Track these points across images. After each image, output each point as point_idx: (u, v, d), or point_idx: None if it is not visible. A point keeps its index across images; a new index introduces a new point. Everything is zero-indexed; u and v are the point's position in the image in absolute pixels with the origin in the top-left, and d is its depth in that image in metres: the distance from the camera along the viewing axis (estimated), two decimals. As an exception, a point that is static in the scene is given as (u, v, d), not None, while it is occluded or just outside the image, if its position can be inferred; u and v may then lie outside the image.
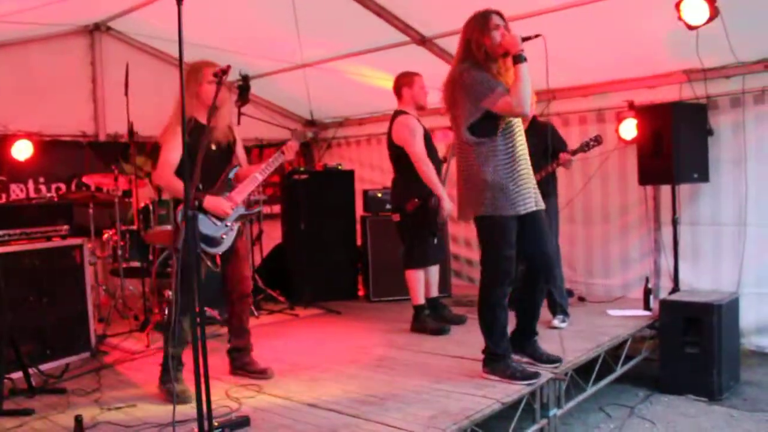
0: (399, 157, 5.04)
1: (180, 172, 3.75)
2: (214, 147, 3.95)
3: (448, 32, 5.90)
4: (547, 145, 4.89)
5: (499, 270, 3.79)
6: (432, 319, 5.18)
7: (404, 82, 5.14)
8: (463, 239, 7.49)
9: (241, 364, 4.19)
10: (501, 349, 3.83)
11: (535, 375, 3.77)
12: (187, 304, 3.22)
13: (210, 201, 3.83)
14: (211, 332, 5.22)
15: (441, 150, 5.46)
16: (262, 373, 4.11)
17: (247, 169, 4.12)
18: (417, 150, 4.92)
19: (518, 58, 3.58)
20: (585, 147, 5.06)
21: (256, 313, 5.93)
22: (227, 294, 4.15)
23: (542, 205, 3.90)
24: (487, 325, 3.87)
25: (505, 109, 3.62)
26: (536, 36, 3.63)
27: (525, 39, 3.62)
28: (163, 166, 3.82)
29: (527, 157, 3.83)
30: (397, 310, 5.97)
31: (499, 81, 3.66)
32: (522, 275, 4.10)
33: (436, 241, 5.14)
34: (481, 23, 3.71)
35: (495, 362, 3.83)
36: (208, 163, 3.70)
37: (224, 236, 3.90)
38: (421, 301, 5.18)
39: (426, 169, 4.88)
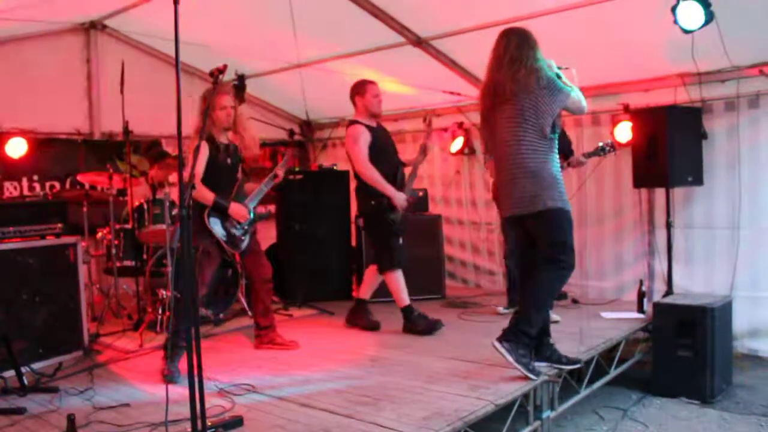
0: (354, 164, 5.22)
1: (205, 180, 4.39)
2: (229, 161, 4.58)
3: (444, 33, 5.92)
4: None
5: (572, 256, 3.96)
6: (423, 319, 5.17)
7: (356, 91, 5.25)
8: (458, 241, 7.50)
9: (269, 339, 4.84)
10: (535, 332, 3.94)
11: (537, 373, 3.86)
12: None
13: (234, 207, 4.52)
14: (205, 332, 5.22)
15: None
16: (289, 345, 4.81)
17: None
18: (356, 154, 5.09)
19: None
20: (600, 152, 5.24)
21: (250, 313, 5.93)
22: (251, 283, 4.90)
23: None
24: (538, 308, 3.95)
25: (578, 106, 3.96)
26: (565, 68, 4.01)
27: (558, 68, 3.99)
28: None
29: None
30: (390, 311, 5.94)
31: None
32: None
33: (401, 241, 5.18)
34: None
35: (524, 344, 3.88)
36: (222, 175, 4.51)
37: (243, 238, 4.62)
38: (407, 301, 5.19)
39: (366, 171, 5.05)
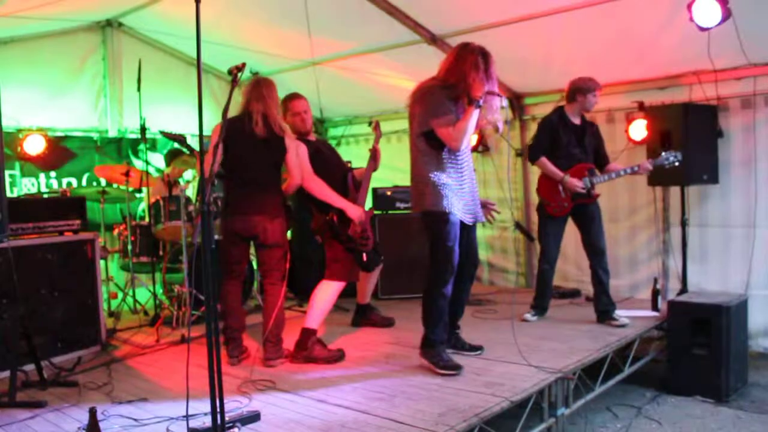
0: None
1: None
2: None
3: (459, 31, 5.91)
4: (597, 146, 5.32)
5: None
6: (322, 347, 4.48)
7: (283, 110, 4.73)
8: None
9: None
10: (435, 336, 4.08)
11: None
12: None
13: None
14: (222, 328, 5.25)
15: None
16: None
17: None
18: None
19: (474, 102, 3.90)
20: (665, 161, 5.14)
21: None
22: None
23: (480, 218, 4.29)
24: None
25: (443, 137, 3.94)
26: (498, 95, 3.97)
27: (490, 92, 3.95)
28: None
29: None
30: (405, 307, 5.99)
31: (452, 110, 3.97)
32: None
33: (365, 257, 4.75)
34: (475, 59, 3.95)
35: (428, 347, 4.07)
36: None
37: None
38: (314, 325, 4.48)
39: (313, 185, 4.59)
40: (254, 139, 4.26)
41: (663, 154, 5.11)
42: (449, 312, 4.22)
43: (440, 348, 4.07)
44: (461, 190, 4.09)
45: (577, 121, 5.22)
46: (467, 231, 4.22)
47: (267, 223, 4.33)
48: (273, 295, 4.38)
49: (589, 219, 5.24)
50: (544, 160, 5.19)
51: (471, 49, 3.99)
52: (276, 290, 4.38)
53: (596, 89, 5.10)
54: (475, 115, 3.90)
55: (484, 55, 3.97)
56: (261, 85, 4.38)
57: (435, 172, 4.00)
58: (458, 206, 4.04)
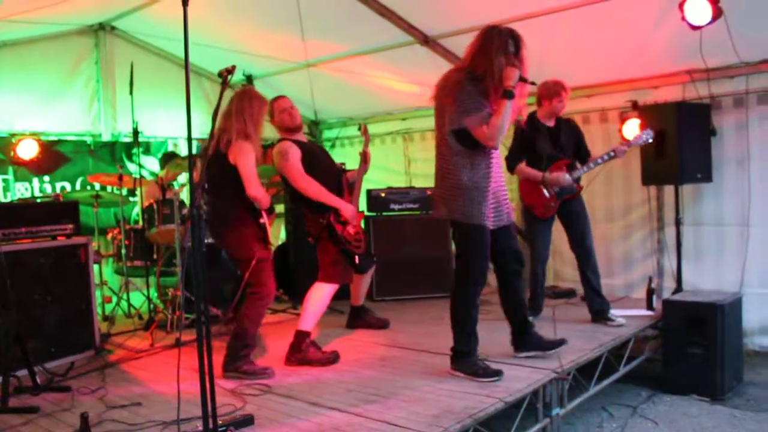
0: (288, 184, 4.72)
1: None
2: None
3: (452, 32, 5.93)
4: (577, 141, 5.25)
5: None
6: (317, 349, 4.49)
7: (269, 115, 4.74)
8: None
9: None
10: (467, 346, 3.95)
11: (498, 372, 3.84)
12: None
13: None
14: (215, 331, 5.23)
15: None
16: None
17: None
18: (290, 170, 4.58)
19: (506, 93, 3.63)
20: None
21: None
22: None
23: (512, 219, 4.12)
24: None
25: (478, 137, 3.70)
26: (531, 83, 3.78)
27: (522, 79, 3.71)
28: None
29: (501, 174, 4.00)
30: (399, 309, 5.99)
31: (486, 105, 3.71)
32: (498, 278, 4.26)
33: (358, 260, 4.75)
34: (504, 43, 3.71)
35: (460, 359, 3.94)
36: None
37: None
38: (308, 328, 4.48)
39: (306, 185, 4.57)
40: (211, 155, 4.14)
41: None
42: (514, 316, 4.21)
43: (474, 357, 3.94)
44: (493, 191, 3.88)
45: (550, 123, 5.22)
46: (504, 229, 4.06)
47: (224, 237, 4.33)
48: (243, 307, 4.26)
49: (575, 217, 5.22)
50: (521, 166, 5.26)
51: (499, 32, 3.72)
52: (246, 302, 4.24)
53: (561, 93, 5.08)
54: (509, 107, 3.63)
55: (514, 37, 3.72)
56: (233, 99, 4.29)
57: (468, 175, 3.76)
58: (490, 214, 3.86)
